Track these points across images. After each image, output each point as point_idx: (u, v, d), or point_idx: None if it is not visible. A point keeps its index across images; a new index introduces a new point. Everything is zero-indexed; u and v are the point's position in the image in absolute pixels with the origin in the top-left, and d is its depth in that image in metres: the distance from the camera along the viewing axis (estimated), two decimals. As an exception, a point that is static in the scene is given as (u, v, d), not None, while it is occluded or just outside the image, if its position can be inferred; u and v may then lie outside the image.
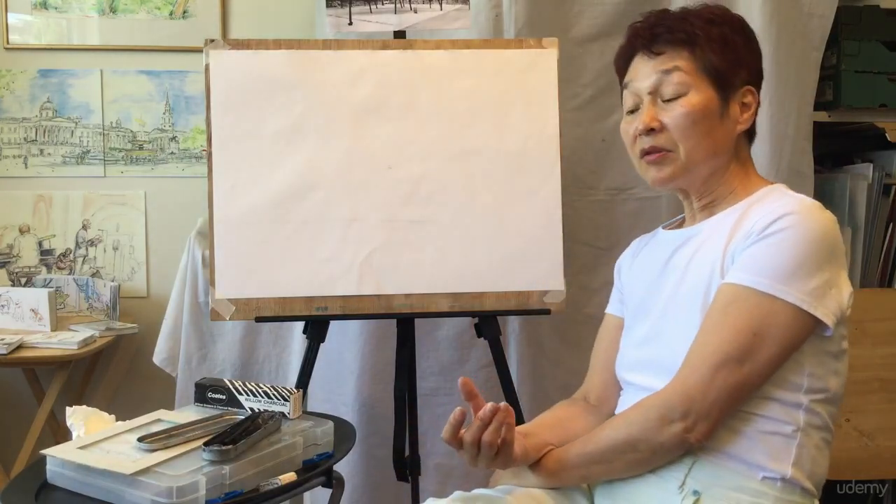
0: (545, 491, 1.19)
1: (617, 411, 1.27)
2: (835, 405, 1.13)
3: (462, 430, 1.07)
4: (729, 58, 1.19)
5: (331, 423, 1.32)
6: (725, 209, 1.20)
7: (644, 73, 1.21)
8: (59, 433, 2.37)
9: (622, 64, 1.28)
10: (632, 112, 1.24)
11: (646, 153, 1.21)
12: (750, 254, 1.08)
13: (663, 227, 1.34)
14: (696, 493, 1.09)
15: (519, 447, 1.12)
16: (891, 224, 2.17)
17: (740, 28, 1.22)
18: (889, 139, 2.06)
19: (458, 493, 1.16)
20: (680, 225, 1.31)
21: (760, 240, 1.08)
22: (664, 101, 1.19)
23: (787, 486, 1.08)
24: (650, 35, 1.20)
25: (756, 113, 1.22)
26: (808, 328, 1.07)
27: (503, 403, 1.07)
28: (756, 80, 1.23)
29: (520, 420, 1.70)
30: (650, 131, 1.19)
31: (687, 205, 1.27)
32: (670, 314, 1.18)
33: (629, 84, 1.24)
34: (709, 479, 1.08)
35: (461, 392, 1.06)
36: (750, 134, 1.25)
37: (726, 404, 1.07)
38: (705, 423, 1.06)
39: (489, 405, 1.05)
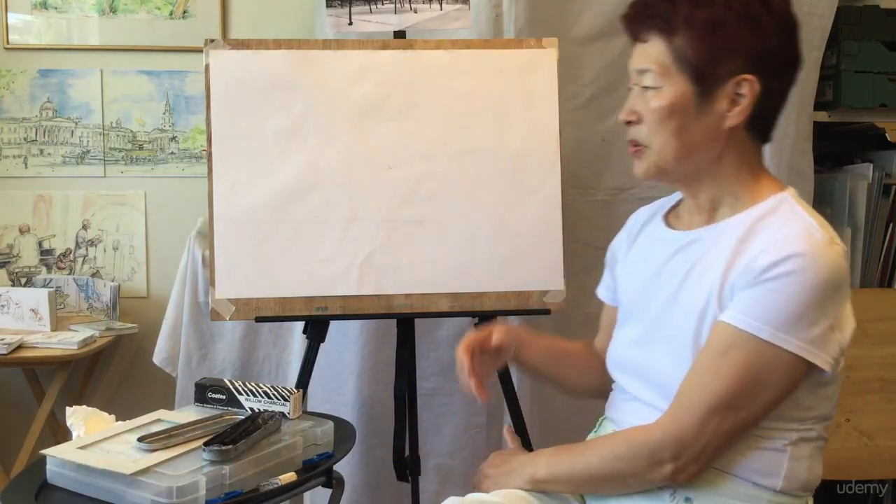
0: (538, 495, 1.18)
1: (607, 411, 1.27)
2: (829, 419, 1.12)
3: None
4: (714, 45, 1.08)
5: (331, 423, 1.32)
6: (728, 217, 1.13)
7: (633, 59, 1.16)
8: (59, 433, 2.37)
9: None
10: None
11: (629, 144, 1.18)
12: (752, 296, 1.03)
13: (664, 216, 1.26)
14: (687, 499, 1.09)
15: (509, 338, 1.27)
16: (891, 224, 2.17)
17: (741, 6, 1.08)
18: (889, 139, 2.06)
19: (452, 499, 1.15)
20: (677, 216, 1.24)
21: (763, 282, 1.02)
22: (644, 89, 1.14)
23: (778, 493, 1.08)
24: (634, 17, 1.15)
25: (757, 105, 1.10)
26: (806, 372, 1.04)
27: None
28: (758, 66, 1.08)
29: (520, 420, 1.71)
30: (628, 123, 1.16)
31: (689, 201, 1.20)
32: (663, 326, 1.14)
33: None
34: (700, 486, 1.08)
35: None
36: (759, 129, 1.14)
37: (718, 448, 1.05)
38: (695, 465, 1.06)
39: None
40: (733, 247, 1.08)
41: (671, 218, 1.26)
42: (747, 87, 1.09)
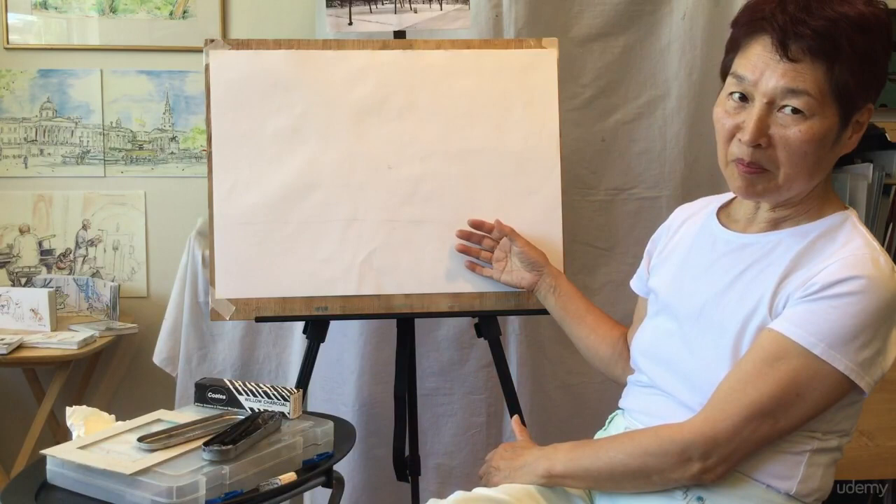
0: (545, 492, 1.18)
1: (623, 401, 1.27)
2: (849, 435, 1.13)
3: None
4: (866, 78, 1.03)
5: (331, 423, 1.32)
6: (791, 227, 1.11)
7: (770, 74, 1.03)
8: (59, 433, 2.37)
9: (741, 34, 1.09)
10: (736, 98, 1.08)
11: (741, 163, 1.08)
12: (809, 310, 1.02)
13: (718, 210, 1.23)
14: (700, 499, 1.09)
15: (526, 278, 1.55)
16: (891, 224, 2.17)
17: (888, 34, 1.04)
18: (889, 139, 2.06)
19: (458, 493, 1.15)
20: (729, 216, 1.21)
21: (823, 298, 1.01)
22: (779, 111, 1.04)
23: (791, 498, 1.08)
24: (792, 33, 1.01)
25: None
26: (847, 392, 1.04)
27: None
28: (879, 93, 1.08)
29: (520, 422, 1.71)
30: (756, 146, 1.05)
31: (753, 206, 1.16)
32: (704, 321, 1.13)
33: (744, 77, 1.06)
34: (713, 486, 1.08)
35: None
36: None
37: (748, 451, 1.06)
38: (723, 468, 1.06)
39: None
40: (793, 257, 1.07)
41: (723, 216, 1.22)
42: (867, 115, 1.08)
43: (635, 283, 1.39)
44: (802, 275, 1.05)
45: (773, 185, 1.08)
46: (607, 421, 1.31)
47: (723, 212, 1.24)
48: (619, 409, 1.30)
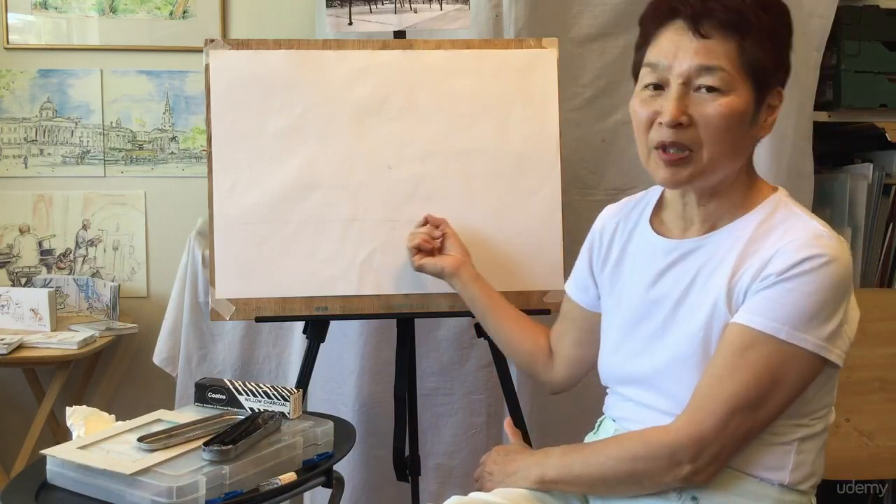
0: (541, 495, 1.18)
1: (610, 412, 1.26)
2: (831, 410, 1.13)
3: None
4: (775, 55, 1.07)
5: (331, 423, 1.32)
6: (728, 223, 1.12)
7: (683, 55, 1.06)
8: (59, 433, 2.37)
9: (651, 26, 1.12)
10: (651, 88, 1.10)
11: (663, 148, 1.08)
12: (767, 297, 1.03)
13: (648, 221, 1.23)
14: (694, 498, 1.09)
15: (458, 259, 1.52)
16: (891, 224, 2.17)
17: (788, 18, 1.09)
18: (889, 139, 2.06)
19: (454, 499, 1.15)
20: (662, 223, 1.21)
21: (778, 283, 1.03)
22: (696, 91, 1.06)
23: (784, 488, 1.08)
24: (700, 8, 1.05)
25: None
26: (821, 368, 1.05)
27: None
28: (786, 78, 1.12)
29: (520, 421, 1.71)
30: (677, 125, 1.06)
31: (681, 206, 1.16)
32: (669, 335, 1.13)
33: (658, 63, 1.08)
34: (707, 485, 1.08)
35: None
36: None
37: (736, 447, 1.06)
38: (713, 467, 1.06)
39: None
40: (739, 252, 1.08)
41: (656, 224, 1.22)
42: (778, 99, 1.11)
43: (575, 293, 1.36)
44: (753, 265, 1.06)
45: (698, 169, 1.08)
46: (597, 424, 1.30)
47: (655, 219, 1.23)
48: (604, 416, 1.29)
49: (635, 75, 1.16)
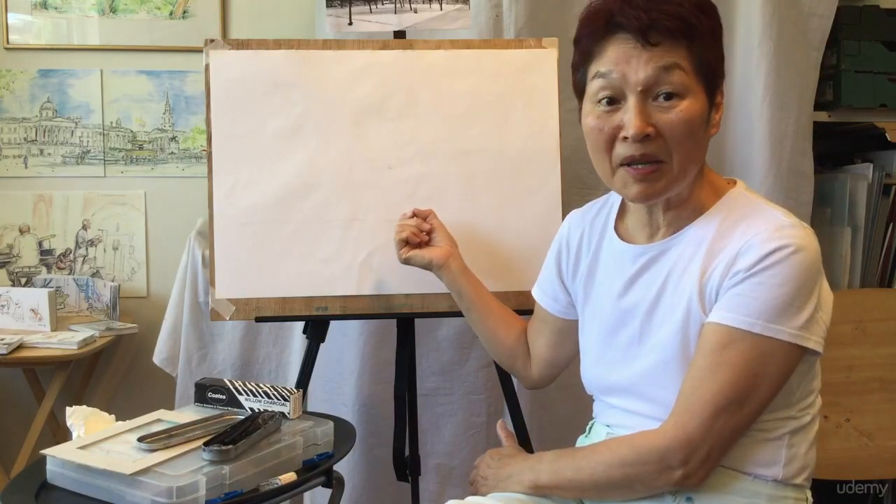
0: (536, 499, 1.18)
1: (600, 418, 1.25)
2: (818, 398, 1.14)
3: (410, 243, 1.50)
4: (717, 53, 1.09)
5: (331, 423, 1.32)
6: (691, 223, 1.12)
7: (637, 63, 1.04)
8: (59, 433, 2.37)
9: (590, 44, 1.10)
10: (605, 104, 1.08)
11: (632, 163, 1.07)
12: (738, 293, 1.04)
13: (613, 228, 1.23)
14: (689, 499, 1.09)
15: (446, 251, 1.49)
16: (891, 224, 2.17)
17: (719, 18, 1.11)
18: (889, 139, 2.06)
19: (451, 503, 1.15)
20: (626, 229, 1.22)
21: (749, 277, 1.03)
22: (654, 100, 1.05)
23: (779, 483, 1.08)
24: (646, 19, 1.04)
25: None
26: (800, 357, 1.06)
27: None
28: (723, 73, 1.13)
29: (520, 421, 1.71)
30: (644, 138, 1.05)
31: (647, 214, 1.16)
32: (646, 341, 1.14)
33: (609, 73, 1.06)
34: (701, 486, 1.08)
35: None
36: None
37: (726, 446, 1.06)
38: (704, 469, 1.06)
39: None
40: (706, 250, 1.08)
41: (621, 231, 1.23)
42: (721, 96, 1.12)
43: (544, 300, 1.37)
44: (721, 263, 1.06)
45: (671, 178, 1.08)
46: (587, 427, 1.29)
47: (619, 226, 1.24)
48: (594, 420, 1.28)
49: (580, 94, 1.15)
